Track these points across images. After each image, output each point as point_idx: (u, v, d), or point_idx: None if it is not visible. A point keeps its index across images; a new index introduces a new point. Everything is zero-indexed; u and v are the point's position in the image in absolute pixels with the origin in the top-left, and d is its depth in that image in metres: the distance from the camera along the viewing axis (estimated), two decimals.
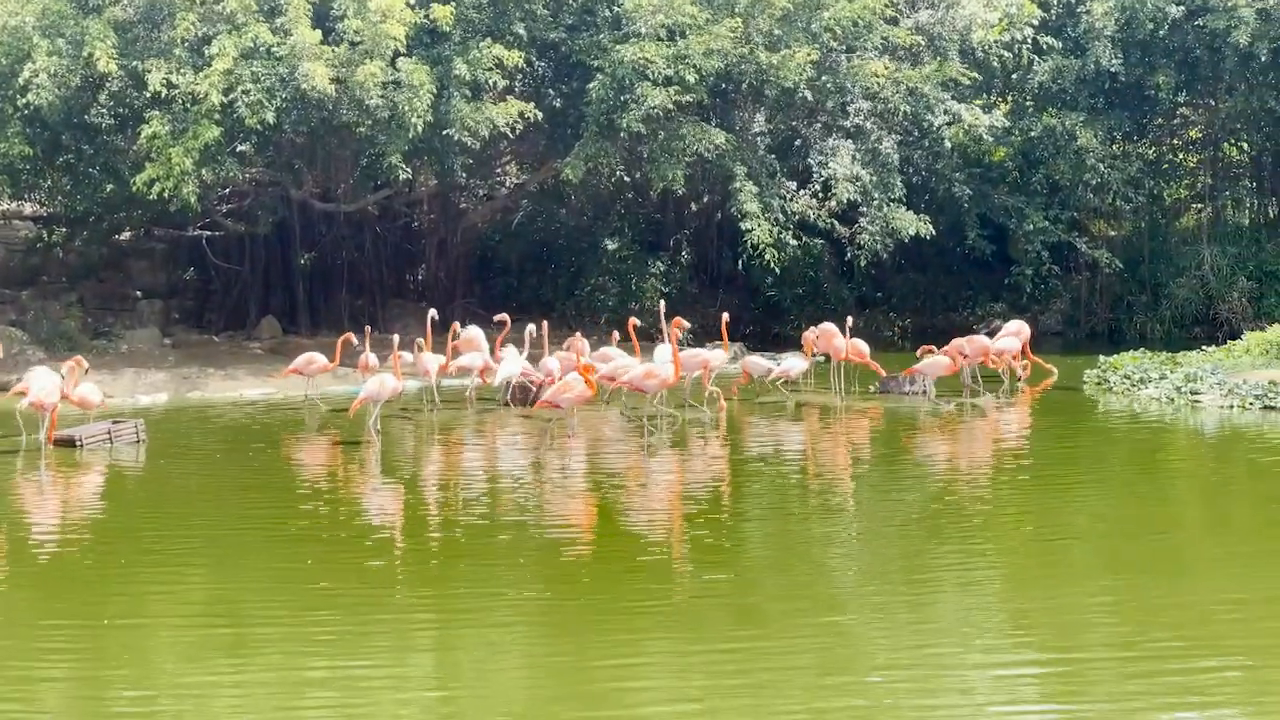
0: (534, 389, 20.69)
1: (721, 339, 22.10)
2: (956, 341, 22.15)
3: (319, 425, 19.77)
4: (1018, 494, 14.55)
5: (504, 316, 22.56)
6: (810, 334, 22.79)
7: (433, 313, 21.73)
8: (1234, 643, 9.13)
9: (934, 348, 21.66)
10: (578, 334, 21.90)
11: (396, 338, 20.74)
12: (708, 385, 20.36)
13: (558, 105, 28.51)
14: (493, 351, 21.54)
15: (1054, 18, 30.69)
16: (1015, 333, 22.73)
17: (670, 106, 25.46)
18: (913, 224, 27.64)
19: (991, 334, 24.58)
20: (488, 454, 17.86)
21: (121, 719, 8.11)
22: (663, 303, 22.93)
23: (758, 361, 22.41)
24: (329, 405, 21.20)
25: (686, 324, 21.29)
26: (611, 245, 30.23)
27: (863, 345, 22.05)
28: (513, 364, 20.58)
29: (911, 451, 17.38)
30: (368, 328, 22.96)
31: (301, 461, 17.10)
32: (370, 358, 21.39)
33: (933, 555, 11.61)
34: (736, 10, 26.40)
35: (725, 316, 22.20)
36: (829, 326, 22.58)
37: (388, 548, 12.10)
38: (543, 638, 9.56)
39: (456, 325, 22.21)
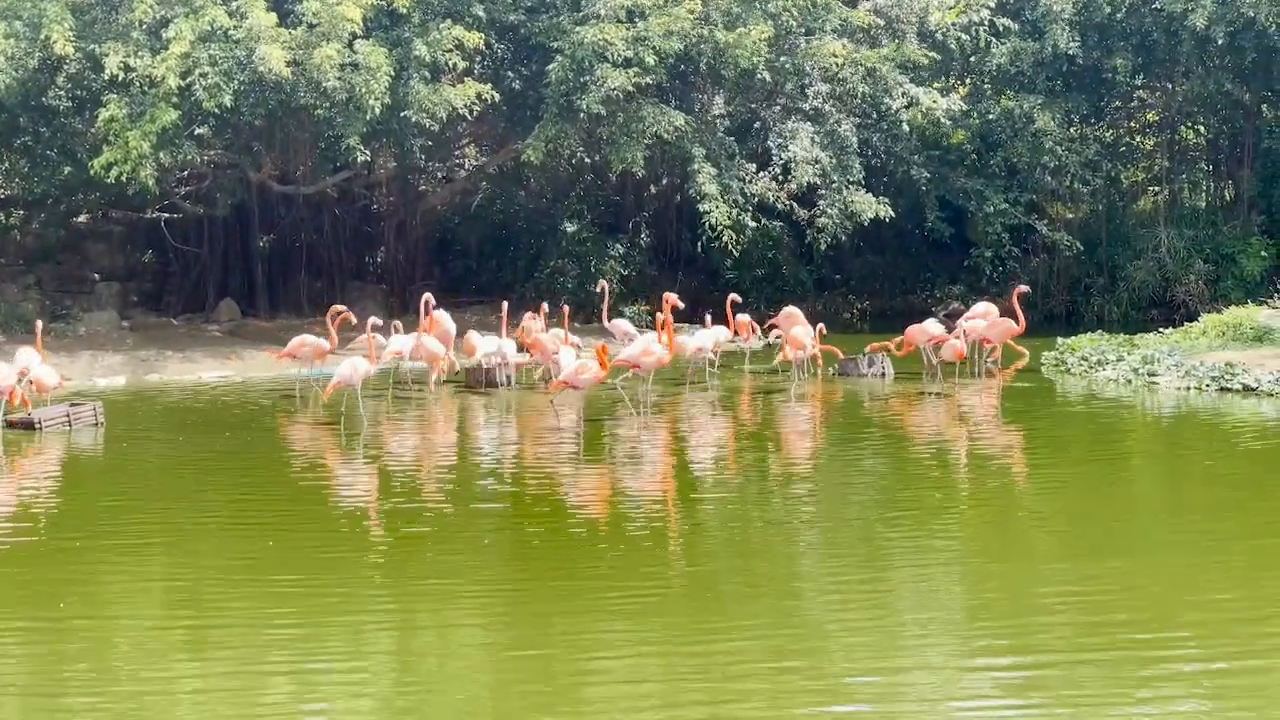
0: (497, 371, 20.80)
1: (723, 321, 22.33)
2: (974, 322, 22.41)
3: (300, 408, 19.68)
4: (974, 477, 14.61)
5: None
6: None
7: (427, 296, 21.48)
8: (1192, 625, 9.18)
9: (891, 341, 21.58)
10: (529, 314, 21.98)
11: (373, 320, 20.62)
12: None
13: (517, 87, 28.48)
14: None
15: (1011, 1, 30.79)
16: (983, 314, 22.77)
17: (629, 88, 25.46)
18: (872, 207, 27.73)
19: (950, 317, 24.73)
20: (465, 434, 17.84)
21: (77, 706, 8.07)
22: (603, 283, 22.93)
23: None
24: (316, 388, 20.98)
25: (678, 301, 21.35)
26: (571, 227, 30.23)
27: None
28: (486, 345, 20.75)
29: (869, 434, 17.42)
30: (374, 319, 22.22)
31: (266, 445, 17.00)
32: (378, 338, 21.02)
33: (888, 540, 11.65)
34: None
35: (734, 297, 22.99)
36: (792, 311, 22.68)
37: (351, 531, 12.07)
38: (504, 624, 9.57)
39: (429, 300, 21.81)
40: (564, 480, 14.33)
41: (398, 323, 21.88)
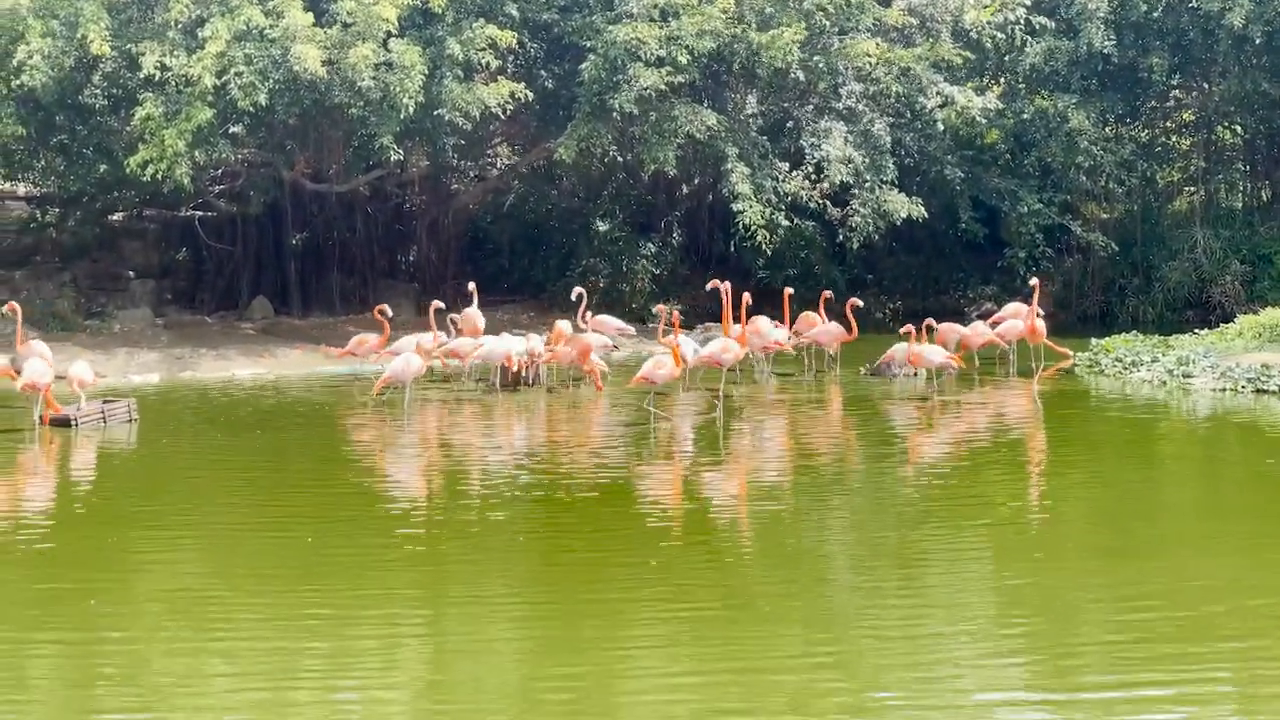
0: (525, 370, 20.86)
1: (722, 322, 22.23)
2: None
3: (348, 405, 19.79)
4: (1007, 477, 14.59)
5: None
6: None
7: (471, 287, 22.07)
8: (1226, 628, 9.16)
9: (912, 328, 21.52)
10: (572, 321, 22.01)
11: (437, 303, 20.96)
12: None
13: (550, 86, 28.54)
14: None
15: None
16: (1016, 314, 22.79)
17: (662, 87, 25.49)
18: (905, 206, 27.69)
19: (983, 317, 24.70)
20: (512, 430, 17.90)
21: (109, 700, 8.14)
22: (580, 290, 22.43)
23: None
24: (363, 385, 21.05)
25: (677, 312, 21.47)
26: (603, 226, 30.25)
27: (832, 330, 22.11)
28: (501, 344, 20.74)
29: (902, 434, 17.42)
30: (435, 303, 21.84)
31: (304, 441, 17.05)
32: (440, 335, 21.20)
33: (920, 539, 11.66)
34: None
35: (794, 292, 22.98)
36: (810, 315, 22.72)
37: (391, 528, 12.12)
38: (537, 620, 9.61)
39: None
40: (621, 479, 14.34)
41: (455, 316, 22.08)
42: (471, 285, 22.01)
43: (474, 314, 21.84)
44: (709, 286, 21.21)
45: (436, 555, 11.24)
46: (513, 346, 20.53)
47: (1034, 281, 22.67)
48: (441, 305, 21.40)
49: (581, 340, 20.45)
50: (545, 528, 12.31)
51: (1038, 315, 22.11)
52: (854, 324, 21.99)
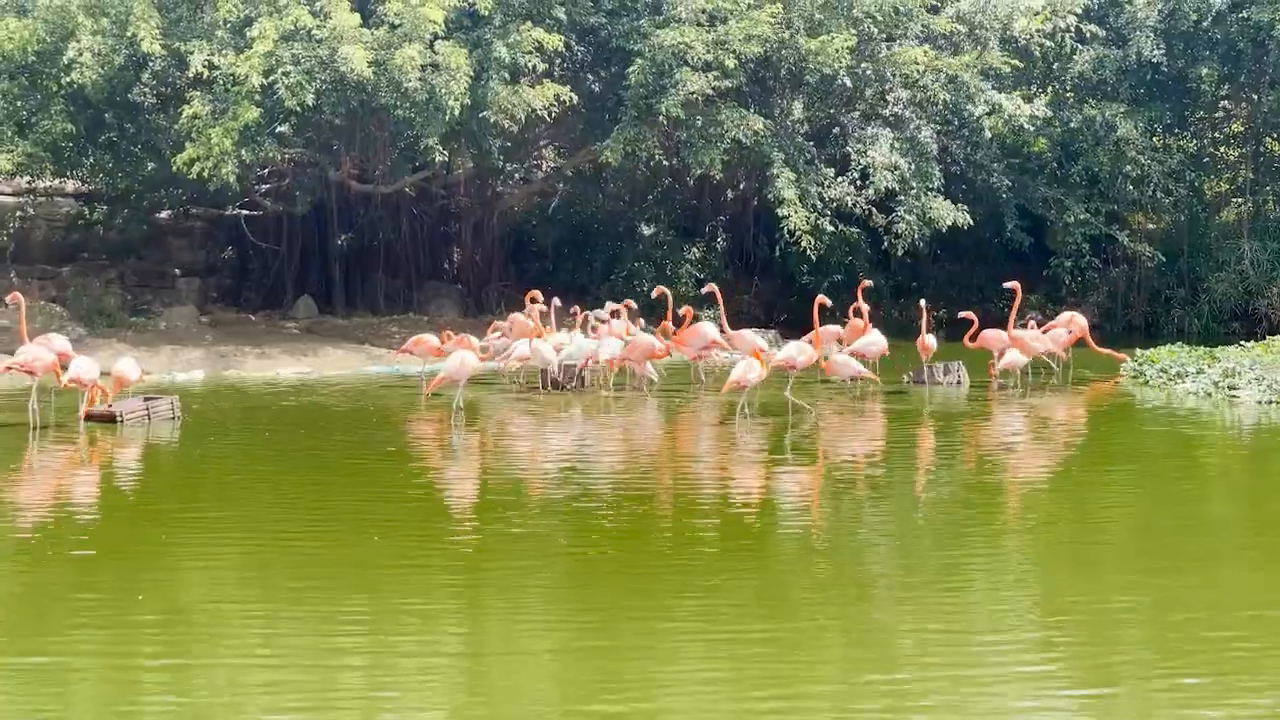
0: (576, 371, 20.91)
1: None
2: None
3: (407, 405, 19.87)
4: (1050, 488, 14.49)
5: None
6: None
7: (535, 294, 22.05)
8: (1275, 644, 9.07)
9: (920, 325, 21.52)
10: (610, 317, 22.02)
11: (530, 310, 21.06)
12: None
13: (596, 90, 28.57)
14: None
15: (1097, 7, 30.55)
16: (1066, 323, 22.77)
17: (709, 92, 25.48)
18: (950, 214, 27.61)
19: (1026, 327, 24.59)
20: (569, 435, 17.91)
21: (151, 701, 8.16)
22: (537, 306, 21.89)
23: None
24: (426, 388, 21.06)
25: (633, 304, 22.22)
26: (648, 230, 30.28)
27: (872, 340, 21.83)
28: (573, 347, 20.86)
29: (944, 443, 17.33)
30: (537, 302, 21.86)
31: (350, 442, 17.03)
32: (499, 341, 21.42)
33: (961, 550, 11.58)
34: None
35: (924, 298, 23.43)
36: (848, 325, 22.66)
37: (435, 531, 12.11)
38: (575, 625, 9.58)
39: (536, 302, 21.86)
40: (680, 482, 14.34)
41: (500, 323, 22.34)
42: (539, 297, 21.84)
43: (523, 319, 21.86)
44: (705, 290, 21.45)
45: (485, 563, 11.18)
46: (598, 347, 20.63)
47: (1012, 284, 22.59)
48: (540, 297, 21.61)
49: (642, 343, 20.51)
50: (601, 537, 12.26)
51: (1032, 323, 22.10)
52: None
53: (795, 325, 29.22)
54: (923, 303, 21.42)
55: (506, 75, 25.07)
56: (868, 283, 22.90)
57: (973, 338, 21.95)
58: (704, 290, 22.23)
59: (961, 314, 22.32)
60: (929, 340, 22.21)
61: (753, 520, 12.67)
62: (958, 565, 11.07)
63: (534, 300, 21.60)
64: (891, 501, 13.70)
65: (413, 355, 21.78)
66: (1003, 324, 22.09)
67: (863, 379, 20.45)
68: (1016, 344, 21.47)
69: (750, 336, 21.85)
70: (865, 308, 22.59)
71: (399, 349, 22.74)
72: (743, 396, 18.39)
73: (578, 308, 22.85)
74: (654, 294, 22.58)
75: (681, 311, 21.96)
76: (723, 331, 21.19)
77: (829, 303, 20.90)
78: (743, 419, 17.96)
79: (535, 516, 12.66)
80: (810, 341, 19.93)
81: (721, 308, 21.83)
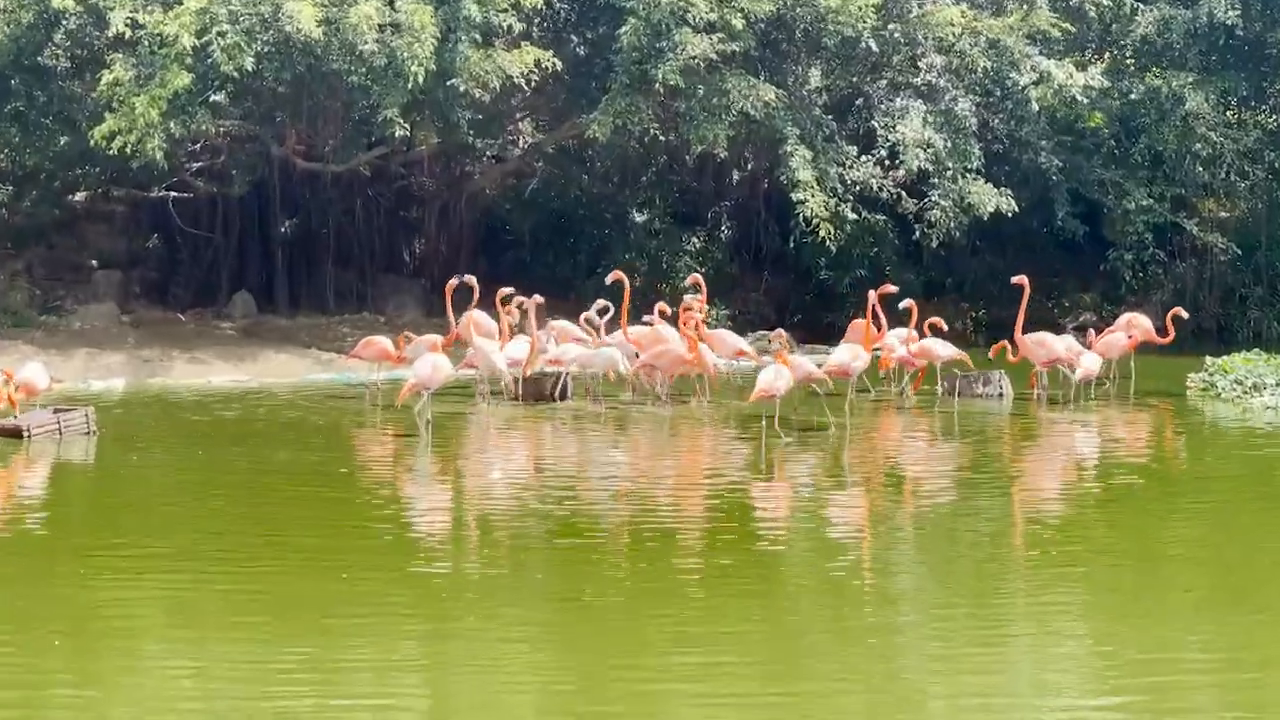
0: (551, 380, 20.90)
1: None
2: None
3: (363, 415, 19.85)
4: (1105, 517, 14.48)
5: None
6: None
7: (537, 299, 21.80)
8: None
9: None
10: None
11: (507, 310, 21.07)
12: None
13: (581, 53, 28.52)
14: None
15: None
16: (1125, 326, 22.73)
17: (712, 56, 25.44)
18: (992, 199, 27.55)
19: (1079, 330, 24.59)
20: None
21: None
22: (536, 299, 21.74)
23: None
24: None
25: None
26: (640, 217, 30.20)
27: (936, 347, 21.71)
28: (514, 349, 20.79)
29: (987, 464, 17.33)
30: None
31: (296, 461, 16.98)
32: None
33: (1009, 596, 11.55)
34: None
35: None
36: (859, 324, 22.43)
37: (398, 568, 12.04)
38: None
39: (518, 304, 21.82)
40: (675, 505, 14.33)
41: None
42: (537, 298, 21.72)
43: (483, 318, 21.75)
44: (688, 282, 21.35)
45: (452, 609, 11.10)
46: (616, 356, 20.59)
47: (1019, 279, 22.41)
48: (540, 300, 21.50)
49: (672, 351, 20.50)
50: (588, 580, 12.22)
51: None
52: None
53: (811, 328, 29.24)
54: (871, 294, 21.08)
55: (478, 37, 24.97)
56: (891, 288, 22.17)
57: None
58: (687, 282, 22.14)
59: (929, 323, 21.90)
60: (888, 338, 21.70)
61: (768, 558, 12.65)
62: (1004, 615, 11.03)
63: (506, 301, 21.38)
64: (930, 537, 13.67)
65: (362, 360, 21.70)
66: (1053, 327, 22.06)
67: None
68: (1023, 349, 21.40)
69: (731, 338, 21.92)
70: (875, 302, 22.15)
71: (349, 353, 22.69)
72: (774, 408, 18.26)
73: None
74: (688, 282, 22.41)
75: (688, 306, 21.77)
76: (698, 328, 21.07)
77: (894, 289, 20.98)
78: (772, 436, 17.90)
79: (512, 553, 12.62)
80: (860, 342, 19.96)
81: (702, 297, 21.80)
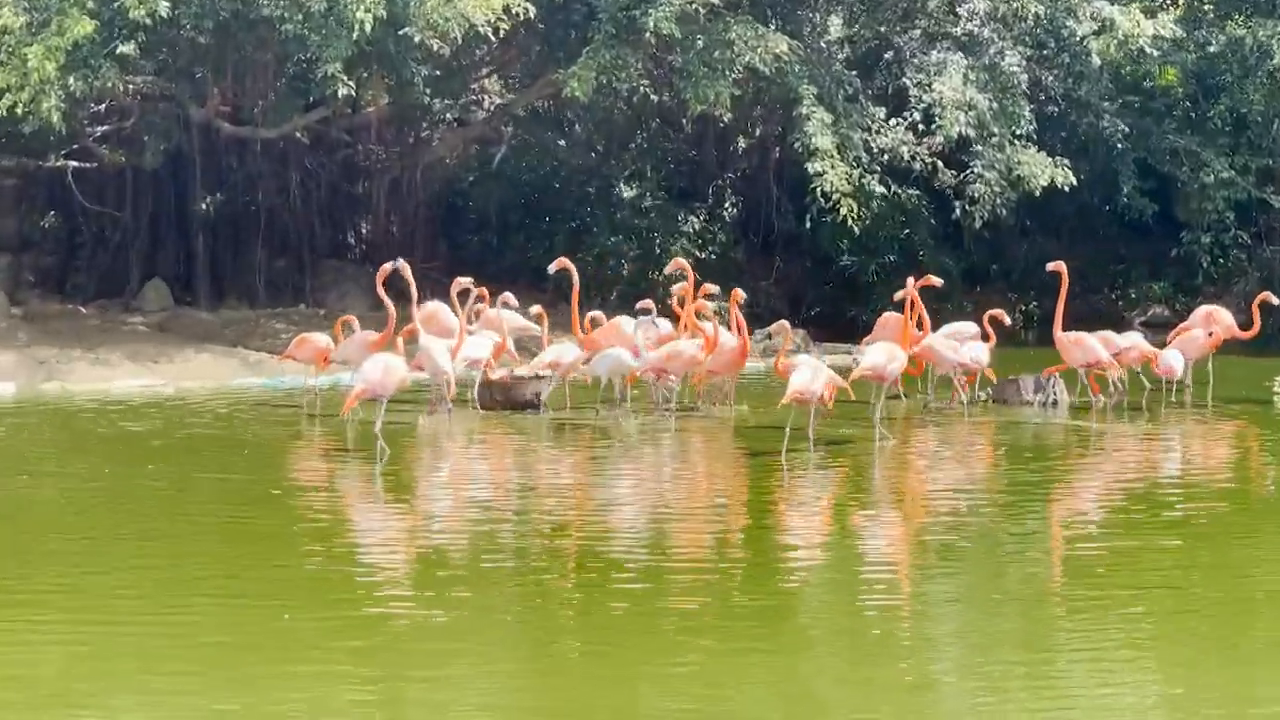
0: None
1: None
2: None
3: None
4: (1178, 550, 14.47)
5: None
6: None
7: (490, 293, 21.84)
8: None
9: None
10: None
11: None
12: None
13: None
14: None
15: None
16: (1204, 321, 22.77)
17: (714, 1, 25.44)
18: (1045, 171, 27.62)
19: (1149, 325, 24.63)
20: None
21: None
22: (508, 298, 22.00)
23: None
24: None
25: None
26: (629, 192, 30.25)
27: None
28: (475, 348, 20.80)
29: (1039, 487, 17.34)
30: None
31: (221, 481, 16.95)
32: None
33: (1070, 643, 11.54)
34: None
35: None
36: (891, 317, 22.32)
37: (343, 608, 12.02)
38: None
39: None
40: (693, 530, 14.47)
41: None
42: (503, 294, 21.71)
43: (441, 312, 21.70)
44: (669, 269, 21.80)
45: (407, 656, 11.10)
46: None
47: (1055, 266, 22.33)
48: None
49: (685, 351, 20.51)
50: (571, 622, 12.20)
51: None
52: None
53: (830, 323, 29.26)
54: (910, 282, 20.92)
55: None
56: (935, 280, 21.88)
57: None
58: (669, 269, 22.13)
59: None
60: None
61: (783, 598, 12.62)
62: (1063, 665, 11.01)
63: (465, 294, 21.19)
64: (980, 572, 13.65)
65: (298, 361, 21.68)
66: (1118, 323, 22.07)
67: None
68: (1060, 349, 21.40)
69: (626, 326, 21.45)
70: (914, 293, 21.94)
71: (281, 353, 22.69)
72: (807, 415, 18.25)
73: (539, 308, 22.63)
74: (669, 269, 22.40)
75: (704, 294, 21.67)
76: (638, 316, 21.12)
77: (938, 282, 20.96)
78: (795, 449, 17.90)
79: (482, 589, 12.58)
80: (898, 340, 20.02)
81: (689, 284, 21.81)
